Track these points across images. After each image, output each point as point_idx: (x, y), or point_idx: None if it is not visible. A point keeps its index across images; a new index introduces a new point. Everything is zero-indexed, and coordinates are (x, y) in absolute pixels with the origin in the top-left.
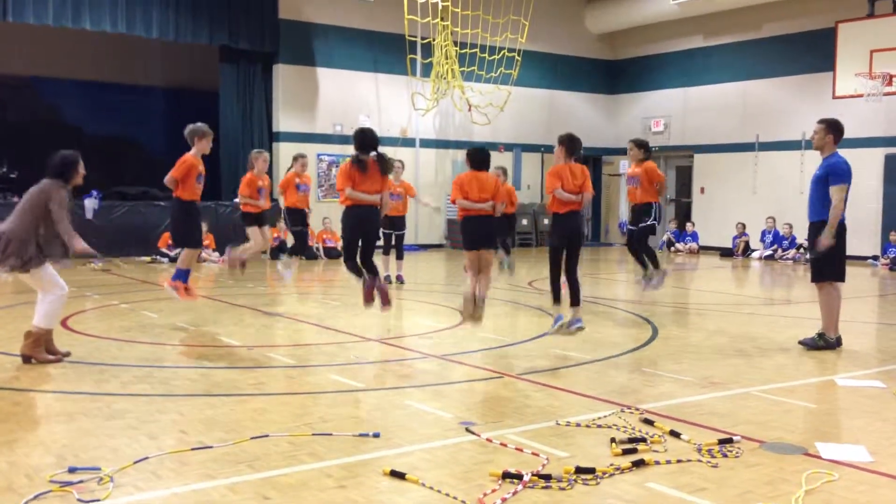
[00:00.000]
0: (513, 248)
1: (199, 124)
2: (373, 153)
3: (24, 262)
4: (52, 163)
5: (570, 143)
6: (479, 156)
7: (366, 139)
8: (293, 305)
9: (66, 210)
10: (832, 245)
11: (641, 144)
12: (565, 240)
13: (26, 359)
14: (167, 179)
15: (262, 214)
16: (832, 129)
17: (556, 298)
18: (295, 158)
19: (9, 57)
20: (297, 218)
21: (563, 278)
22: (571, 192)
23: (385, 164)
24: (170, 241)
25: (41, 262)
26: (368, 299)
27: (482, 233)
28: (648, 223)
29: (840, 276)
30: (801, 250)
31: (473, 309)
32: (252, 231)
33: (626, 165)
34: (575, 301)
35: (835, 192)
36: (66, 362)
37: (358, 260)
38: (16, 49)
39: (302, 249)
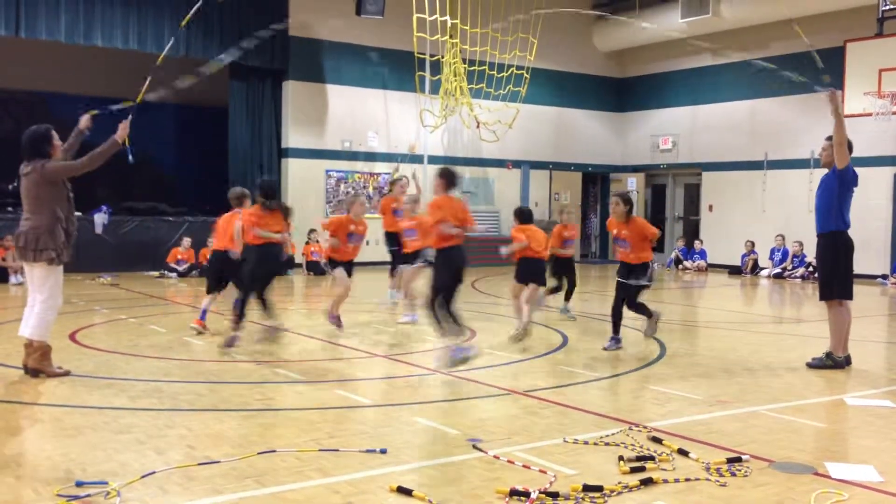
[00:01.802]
0: None
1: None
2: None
3: (59, 252)
4: (25, 142)
5: (450, 177)
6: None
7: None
8: (300, 321)
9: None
10: (834, 100)
11: (627, 200)
12: (455, 275)
13: (35, 373)
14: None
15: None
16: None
17: (451, 330)
18: (393, 182)
19: (22, 73)
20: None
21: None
22: (456, 227)
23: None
24: (179, 257)
25: (69, 250)
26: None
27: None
28: (643, 283)
29: (847, 294)
30: (810, 268)
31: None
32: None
33: (633, 183)
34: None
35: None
36: (73, 376)
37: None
38: (29, 65)
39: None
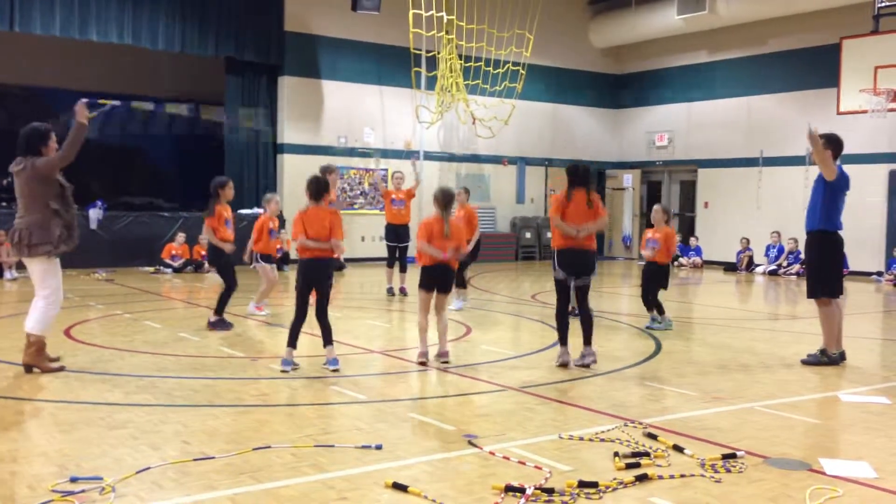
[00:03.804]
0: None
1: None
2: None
3: (55, 245)
4: (21, 139)
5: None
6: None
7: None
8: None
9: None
10: (814, 139)
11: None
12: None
13: (28, 368)
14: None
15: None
16: (830, 143)
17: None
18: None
19: (16, 68)
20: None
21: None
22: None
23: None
24: (173, 252)
25: (69, 244)
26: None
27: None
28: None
29: (834, 293)
30: (804, 266)
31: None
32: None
33: (629, 179)
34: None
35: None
36: (68, 371)
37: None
38: (23, 60)
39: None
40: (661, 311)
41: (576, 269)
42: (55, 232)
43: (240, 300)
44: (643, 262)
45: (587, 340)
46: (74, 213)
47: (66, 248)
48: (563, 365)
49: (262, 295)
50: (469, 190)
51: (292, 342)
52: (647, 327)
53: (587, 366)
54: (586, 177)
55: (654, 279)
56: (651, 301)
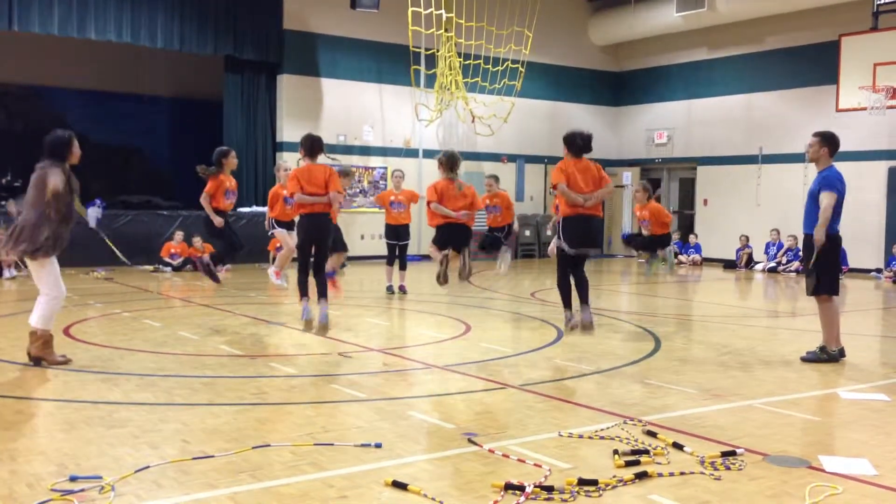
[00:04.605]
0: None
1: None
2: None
3: (35, 247)
4: (46, 144)
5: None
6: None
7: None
8: (296, 315)
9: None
10: (825, 245)
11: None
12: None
13: (37, 361)
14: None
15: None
16: (827, 141)
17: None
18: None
19: (14, 66)
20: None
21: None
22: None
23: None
24: (173, 250)
25: (48, 253)
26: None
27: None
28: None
29: (833, 290)
30: (803, 263)
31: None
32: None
33: (628, 177)
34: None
35: (823, 196)
36: (68, 370)
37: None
38: (22, 59)
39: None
40: (654, 254)
41: (583, 238)
42: (42, 236)
43: (247, 301)
44: (628, 235)
45: (584, 299)
46: (69, 228)
47: (42, 256)
48: (574, 327)
49: (282, 259)
50: (498, 178)
51: (304, 293)
52: (648, 266)
53: (590, 323)
54: (588, 146)
55: (654, 243)
56: (655, 248)
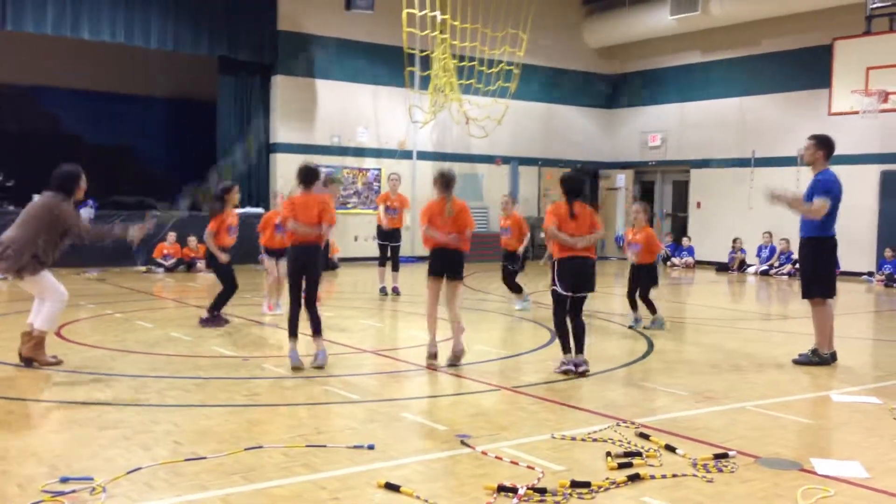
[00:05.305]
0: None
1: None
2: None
3: (18, 268)
4: (56, 176)
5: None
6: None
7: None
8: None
9: (77, 219)
10: (781, 198)
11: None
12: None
13: (28, 362)
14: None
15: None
16: (822, 144)
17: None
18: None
19: (8, 66)
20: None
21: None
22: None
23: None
24: (165, 251)
25: (35, 270)
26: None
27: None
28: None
29: (828, 293)
30: (797, 266)
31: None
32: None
33: (622, 179)
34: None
35: (817, 201)
36: (59, 371)
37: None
38: (15, 58)
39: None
40: (653, 311)
41: (577, 280)
42: (25, 258)
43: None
44: (622, 241)
45: (580, 349)
46: (55, 254)
47: (31, 273)
48: (566, 372)
49: (270, 290)
50: (516, 199)
51: (293, 332)
52: (630, 327)
53: (583, 374)
54: (582, 187)
55: (641, 280)
56: (644, 300)
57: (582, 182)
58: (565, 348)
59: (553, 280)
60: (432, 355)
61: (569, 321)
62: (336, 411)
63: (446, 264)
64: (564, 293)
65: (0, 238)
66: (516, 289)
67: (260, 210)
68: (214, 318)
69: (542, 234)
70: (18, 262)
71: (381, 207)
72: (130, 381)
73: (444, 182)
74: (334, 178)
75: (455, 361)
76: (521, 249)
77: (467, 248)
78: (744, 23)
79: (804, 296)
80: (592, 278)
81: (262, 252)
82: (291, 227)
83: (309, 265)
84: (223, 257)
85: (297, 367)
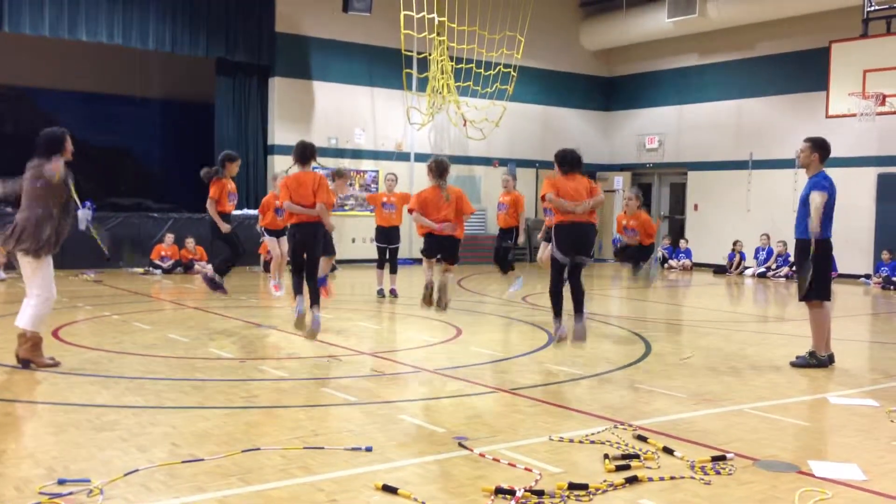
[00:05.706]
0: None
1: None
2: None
3: (38, 245)
4: (40, 140)
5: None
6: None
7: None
8: (287, 318)
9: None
10: (817, 247)
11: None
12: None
13: (25, 363)
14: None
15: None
16: (817, 147)
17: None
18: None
19: (5, 68)
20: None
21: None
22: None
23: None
24: (163, 253)
25: (52, 248)
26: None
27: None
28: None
29: (825, 296)
30: (794, 268)
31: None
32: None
33: (619, 182)
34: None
35: (815, 196)
36: (56, 373)
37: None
38: (12, 60)
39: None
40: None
41: (575, 245)
42: (44, 234)
43: (237, 305)
44: (619, 242)
45: (578, 309)
46: (69, 224)
47: (45, 253)
48: (563, 338)
49: (275, 268)
50: (515, 177)
51: (298, 290)
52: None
53: (582, 334)
54: (579, 164)
55: (638, 255)
56: (636, 255)
57: (575, 154)
58: (557, 313)
59: (553, 247)
60: (429, 285)
61: (568, 289)
62: (334, 413)
63: (441, 249)
64: (563, 260)
65: (14, 219)
66: (507, 267)
67: (257, 212)
68: (217, 282)
69: (539, 232)
70: (38, 241)
71: (380, 204)
72: (128, 383)
73: (439, 170)
74: (342, 173)
75: (441, 293)
76: (520, 227)
77: (461, 235)
78: (741, 25)
79: (801, 298)
80: (591, 244)
81: (262, 233)
82: (288, 207)
83: (308, 243)
84: (225, 227)
85: (300, 316)
